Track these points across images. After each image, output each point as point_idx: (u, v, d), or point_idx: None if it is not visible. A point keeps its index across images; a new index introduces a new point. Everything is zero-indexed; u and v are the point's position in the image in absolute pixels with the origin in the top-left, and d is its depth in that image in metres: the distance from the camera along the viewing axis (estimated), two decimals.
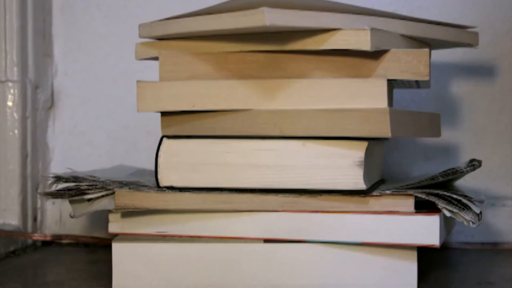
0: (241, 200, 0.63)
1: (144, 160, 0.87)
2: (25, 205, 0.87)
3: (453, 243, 0.84)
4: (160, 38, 0.65)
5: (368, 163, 0.62)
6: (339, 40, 0.59)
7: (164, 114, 0.65)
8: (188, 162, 0.64)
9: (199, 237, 0.65)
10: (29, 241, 0.87)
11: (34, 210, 0.89)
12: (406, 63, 0.60)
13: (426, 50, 0.60)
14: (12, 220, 0.86)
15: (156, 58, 0.66)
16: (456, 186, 0.68)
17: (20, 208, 0.86)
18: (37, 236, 0.86)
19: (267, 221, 0.63)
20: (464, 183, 0.72)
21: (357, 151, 0.60)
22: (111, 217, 0.67)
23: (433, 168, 0.81)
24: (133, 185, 0.66)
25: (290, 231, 0.63)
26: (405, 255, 0.62)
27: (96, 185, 0.66)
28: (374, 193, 0.61)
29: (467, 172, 0.64)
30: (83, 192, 0.66)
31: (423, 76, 0.60)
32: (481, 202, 0.65)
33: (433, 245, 0.60)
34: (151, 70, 0.70)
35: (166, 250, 0.64)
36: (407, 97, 0.85)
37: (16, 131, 0.86)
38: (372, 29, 0.59)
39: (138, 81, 0.65)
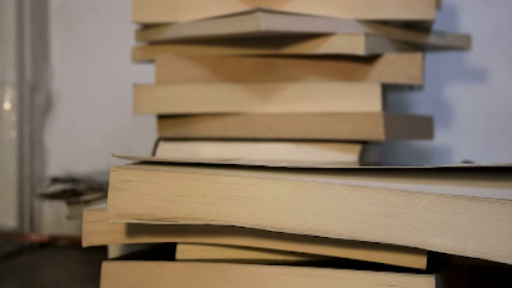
0: None
1: None
2: (22, 207, 0.88)
3: None
4: (156, 42, 0.66)
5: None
6: (334, 44, 0.60)
7: (160, 116, 0.66)
8: None
9: None
10: (26, 242, 0.87)
11: (31, 211, 0.90)
12: (399, 67, 0.61)
13: (419, 54, 0.61)
14: (9, 221, 0.87)
15: (152, 62, 0.67)
16: None
17: (17, 210, 0.87)
18: (34, 237, 0.87)
19: None
20: None
21: (351, 154, 0.61)
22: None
23: None
24: None
25: None
26: None
27: (93, 186, 0.66)
28: None
29: None
30: (79, 194, 0.67)
31: (416, 80, 0.61)
32: None
33: None
34: (147, 74, 0.71)
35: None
36: (400, 99, 0.85)
37: (13, 133, 0.87)
38: (366, 34, 0.59)
39: (134, 84, 0.65)
